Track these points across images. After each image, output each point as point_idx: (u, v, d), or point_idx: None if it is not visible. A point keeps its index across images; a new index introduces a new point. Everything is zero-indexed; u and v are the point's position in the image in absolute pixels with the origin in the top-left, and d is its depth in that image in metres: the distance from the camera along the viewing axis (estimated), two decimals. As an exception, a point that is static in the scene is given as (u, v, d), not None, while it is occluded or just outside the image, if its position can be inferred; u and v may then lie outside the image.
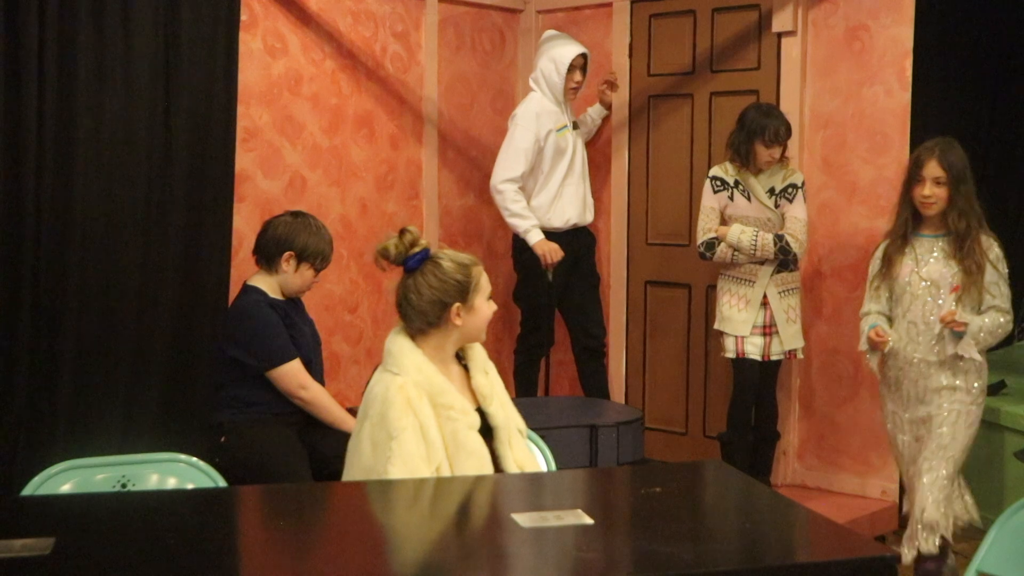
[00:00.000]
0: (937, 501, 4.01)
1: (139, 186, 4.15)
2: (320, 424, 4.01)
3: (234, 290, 4.28)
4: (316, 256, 4.02)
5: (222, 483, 2.99)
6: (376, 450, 2.87)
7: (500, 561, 2.26)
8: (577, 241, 5.31)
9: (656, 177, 5.64)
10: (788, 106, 5.06)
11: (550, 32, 5.46)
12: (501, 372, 3.26)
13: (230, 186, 4.43)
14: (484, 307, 3.05)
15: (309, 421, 4.02)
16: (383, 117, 5.34)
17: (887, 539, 4.77)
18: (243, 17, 4.54)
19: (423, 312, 3.00)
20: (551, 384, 5.75)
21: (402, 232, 3.05)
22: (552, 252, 5.14)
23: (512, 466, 3.02)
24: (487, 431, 3.02)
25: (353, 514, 2.59)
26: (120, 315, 4.12)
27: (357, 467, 2.93)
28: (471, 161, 5.64)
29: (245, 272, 4.26)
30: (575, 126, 5.37)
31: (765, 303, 4.77)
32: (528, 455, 3.11)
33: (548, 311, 5.33)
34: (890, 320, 4.20)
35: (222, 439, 3.96)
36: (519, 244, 5.29)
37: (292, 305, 4.10)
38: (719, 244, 4.75)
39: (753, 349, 4.79)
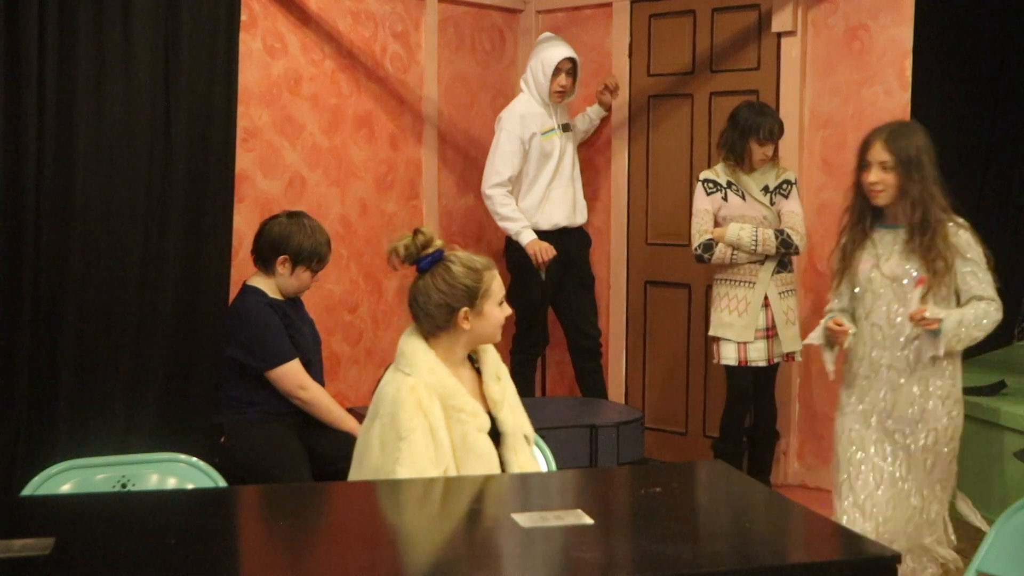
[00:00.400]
0: (941, 539, 3.73)
1: (139, 186, 4.14)
2: (320, 424, 4.01)
3: (234, 290, 4.28)
4: (311, 258, 4.01)
5: (222, 483, 2.99)
6: (385, 450, 2.87)
7: (500, 561, 2.26)
8: (567, 242, 5.31)
9: (656, 177, 5.64)
10: (788, 106, 5.06)
11: (545, 34, 5.47)
12: (500, 373, 3.25)
13: (230, 186, 4.43)
14: (494, 312, 3.02)
15: (309, 421, 4.02)
16: (383, 117, 5.34)
17: (887, 539, 4.76)
18: (243, 17, 4.54)
19: (430, 315, 2.99)
20: (548, 384, 5.75)
21: (415, 232, 3.03)
22: (543, 251, 5.15)
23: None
24: (495, 436, 3.02)
25: (353, 514, 2.59)
26: (120, 315, 4.11)
27: (366, 467, 2.93)
28: (471, 161, 5.64)
29: (245, 272, 4.26)
30: (566, 128, 5.36)
31: (765, 305, 4.74)
32: (532, 463, 3.10)
33: (542, 310, 5.34)
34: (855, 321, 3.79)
35: (222, 439, 3.96)
36: (511, 244, 5.30)
37: (292, 305, 4.10)
38: (716, 245, 4.72)
39: (757, 355, 4.73)
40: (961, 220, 3.65)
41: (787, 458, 5.21)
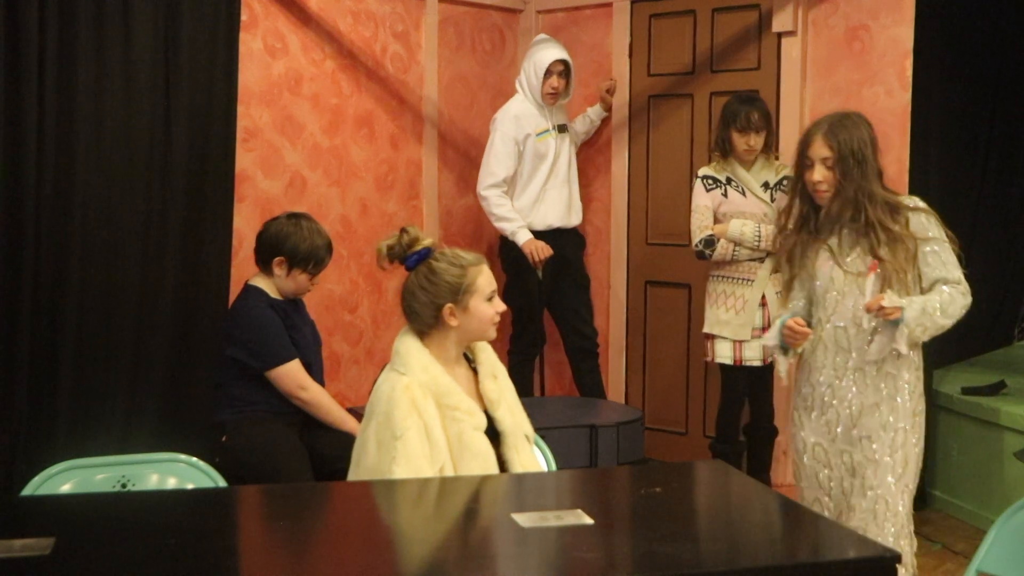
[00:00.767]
0: (899, 534, 3.35)
1: (139, 186, 4.15)
2: (320, 424, 4.01)
3: (234, 290, 4.28)
4: (307, 261, 4.00)
5: (222, 483, 2.99)
6: (381, 449, 2.87)
7: (500, 561, 2.26)
8: (562, 243, 5.31)
9: (656, 177, 5.64)
10: (788, 106, 5.06)
11: (539, 36, 5.48)
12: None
13: (230, 186, 4.43)
14: (481, 308, 3.01)
15: (309, 421, 4.02)
16: (383, 117, 5.34)
17: (887, 539, 4.76)
18: (243, 17, 4.54)
19: (417, 313, 3.01)
20: (547, 384, 5.76)
21: (402, 231, 3.04)
22: (539, 249, 5.16)
23: (519, 472, 3.01)
24: (495, 436, 3.02)
25: (353, 514, 2.59)
26: (120, 315, 4.12)
27: (362, 466, 2.94)
28: (471, 161, 5.63)
29: (245, 272, 4.26)
30: (562, 129, 5.36)
31: (762, 304, 4.72)
32: (533, 463, 3.10)
33: (538, 310, 5.35)
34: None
35: (223, 438, 3.96)
36: (506, 244, 5.31)
37: (292, 306, 4.10)
38: (718, 241, 4.69)
39: (752, 355, 4.69)
40: (916, 202, 3.39)
41: (786, 457, 5.21)
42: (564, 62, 5.22)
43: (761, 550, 2.35)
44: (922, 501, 5.15)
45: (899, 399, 3.38)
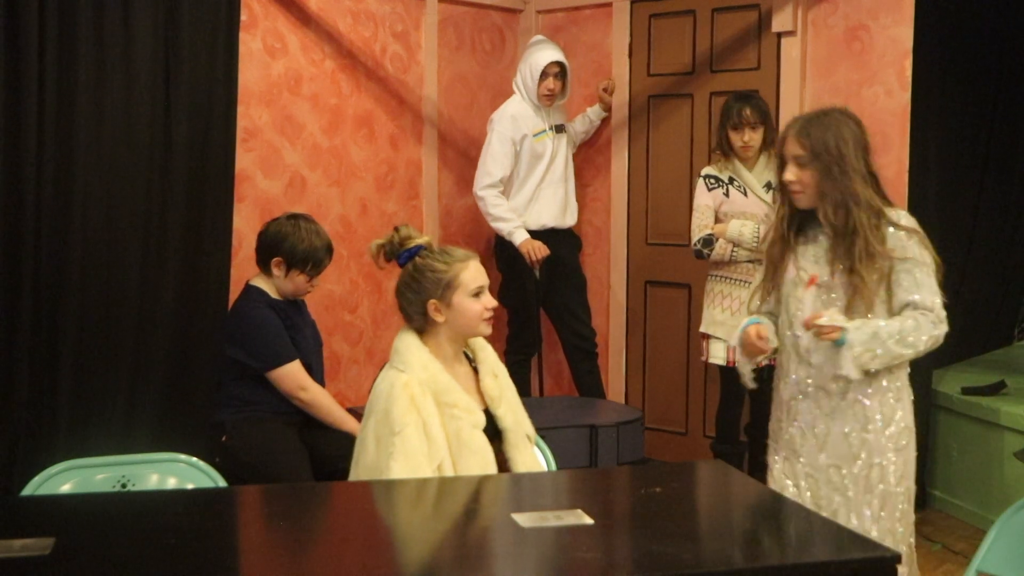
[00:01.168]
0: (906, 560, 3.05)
1: (139, 186, 4.15)
2: (321, 424, 4.01)
3: (234, 290, 4.28)
4: (305, 262, 4.00)
5: (222, 483, 3.00)
6: (379, 446, 2.88)
7: (500, 561, 2.26)
8: (557, 243, 5.31)
9: (656, 177, 5.64)
10: (788, 106, 5.06)
11: (536, 37, 5.49)
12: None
13: (230, 186, 4.43)
14: (465, 303, 3.00)
15: (309, 421, 4.02)
16: (383, 117, 5.34)
17: (887, 539, 4.76)
18: (243, 17, 4.54)
19: (405, 309, 3.05)
20: (547, 385, 5.76)
21: (395, 230, 3.07)
22: (536, 249, 5.16)
23: (521, 470, 3.02)
24: (496, 434, 3.03)
25: (353, 514, 2.59)
26: (120, 315, 4.12)
27: (362, 464, 2.95)
28: (471, 161, 5.63)
29: (245, 272, 4.26)
30: (559, 130, 5.36)
31: None
32: (534, 463, 3.11)
33: (534, 310, 5.35)
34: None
35: (223, 438, 3.96)
36: (501, 244, 5.31)
37: (293, 306, 4.10)
38: (717, 241, 4.68)
39: None
40: (901, 218, 3.08)
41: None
42: (560, 64, 5.22)
43: (761, 550, 2.35)
44: (922, 501, 5.16)
45: (870, 429, 3.04)
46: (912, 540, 3.17)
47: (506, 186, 5.25)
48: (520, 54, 5.86)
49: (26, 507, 2.63)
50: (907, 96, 4.76)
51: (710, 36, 5.39)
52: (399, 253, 3.06)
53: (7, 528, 2.34)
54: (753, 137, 4.63)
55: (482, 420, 2.98)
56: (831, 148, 3.01)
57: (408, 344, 3.00)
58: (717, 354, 4.74)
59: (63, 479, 2.91)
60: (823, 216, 3.06)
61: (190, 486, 2.98)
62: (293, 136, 4.95)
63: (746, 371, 3.25)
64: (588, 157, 5.80)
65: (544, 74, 5.19)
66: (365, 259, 5.21)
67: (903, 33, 4.75)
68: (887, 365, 2.99)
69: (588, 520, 2.34)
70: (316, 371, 4.09)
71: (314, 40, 5.01)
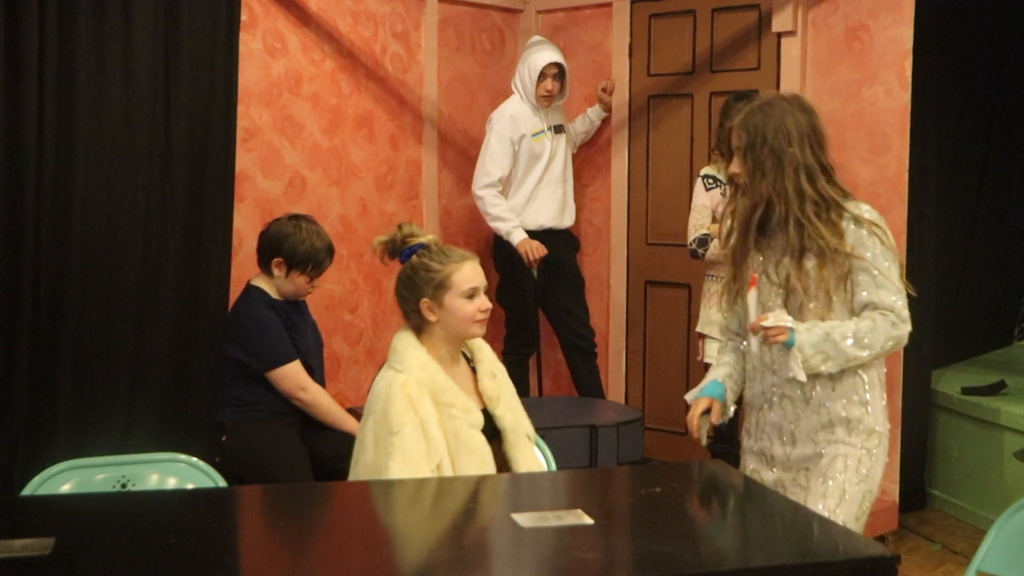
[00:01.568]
0: None
1: (139, 186, 4.15)
2: (321, 424, 4.01)
3: (235, 290, 4.28)
4: (305, 263, 4.00)
5: (222, 483, 3.00)
6: (378, 445, 2.89)
7: (500, 561, 2.26)
8: (554, 244, 5.31)
9: (656, 177, 5.64)
10: (788, 106, 5.05)
11: (535, 37, 5.50)
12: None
13: (230, 186, 4.43)
14: (457, 304, 2.99)
15: (309, 421, 4.02)
16: (383, 117, 5.34)
17: (887, 539, 4.76)
18: (243, 17, 4.54)
19: (401, 307, 3.06)
20: (546, 384, 5.75)
21: (398, 227, 3.08)
22: (534, 249, 5.17)
23: (522, 470, 3.02)
24: (495, 433, 3.03)
25: (353, 514, 2.59)
26: (120, 315, 4.12)
27: (361, 463, 2.96)
28: (471, 161, 5.63)
29: (245, 272, 4.26)
30: (558, 130, 5.36)
31: None
32: (535, 463, 3.11)
33: (532, 310, 5.35)
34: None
35: (223, 438, 3.96)
36: (499, 243, 5.32)
37: (294, 306, 4.10)
38: (712, 240, 4.68)
39: None
40: (864, 211, 2.90)
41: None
42: (558, 65, 5.22)
43: (761, 550, 2.35)
44: (922, 501, 5.17)
45: (837, 433, 2.91)
46: None
47: (504, 186, 5.26)
48: (520, 54, 5.87)
49: (26, 507, 2.63)
50: (907, 96, 4.76)
51: (710, 36, 5.39)
52: (400, 251, 3.06)
53: (7, 528, 2.35)
54: None
55: (480, 420, 2.99)
56: (768, 139, 2.84)
57: (406, 344, 3.01)
58: (712, 354, 4.74)
59: (63, 479, 2.91)
60: (744, 211, 2.90)
61: (190, 486, 2.97)
62: (293, 136, 4.95)
63: (703, 432, 3.08)
64: (588, 157, 5.80)
65: (542, 75, 5.19)
66: (365, 259, 5.22)
67: (903, 33, 4.75)
68: (841, 367, 2.84)
69: (588, 520, 2.34)
70: (317, 372, 4.09)
71: (314, 40, 5.01)
